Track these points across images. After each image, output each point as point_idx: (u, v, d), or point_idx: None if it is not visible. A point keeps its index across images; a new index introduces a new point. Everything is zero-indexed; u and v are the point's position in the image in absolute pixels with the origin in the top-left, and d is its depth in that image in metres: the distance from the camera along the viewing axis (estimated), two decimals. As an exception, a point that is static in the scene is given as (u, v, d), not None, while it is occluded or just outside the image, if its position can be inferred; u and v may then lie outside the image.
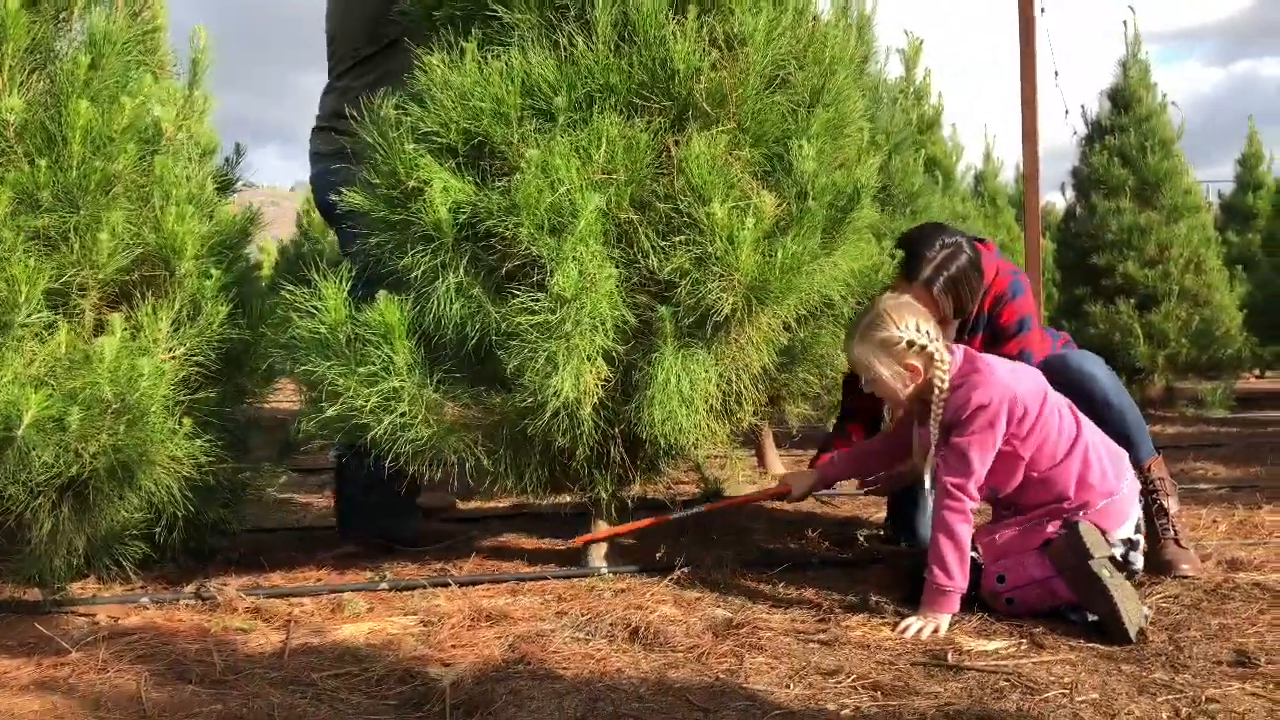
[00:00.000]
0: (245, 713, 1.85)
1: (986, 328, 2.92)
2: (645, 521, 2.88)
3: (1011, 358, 2.67)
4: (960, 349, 2.50)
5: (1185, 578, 2.63)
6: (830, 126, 2.63)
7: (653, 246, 2.45)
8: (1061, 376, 2.70)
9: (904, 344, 2.41)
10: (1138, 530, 2.45)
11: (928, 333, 2.43)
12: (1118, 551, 2.38)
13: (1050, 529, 2.36)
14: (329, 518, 3.80)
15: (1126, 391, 2.88)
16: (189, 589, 2.65)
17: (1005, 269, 2.96)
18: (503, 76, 2.41)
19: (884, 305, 2.47)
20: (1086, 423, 2.48)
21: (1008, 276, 2.94)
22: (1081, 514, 2.36)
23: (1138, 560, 2.46)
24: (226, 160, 3.24)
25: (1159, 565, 2.69)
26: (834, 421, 3.18)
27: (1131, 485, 2.47)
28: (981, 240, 2.97)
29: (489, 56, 2.46)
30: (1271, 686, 1.86)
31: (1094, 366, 2.83)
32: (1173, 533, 2.76)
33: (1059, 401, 2.47)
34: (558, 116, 2.44)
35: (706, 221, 2.38)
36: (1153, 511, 2.77)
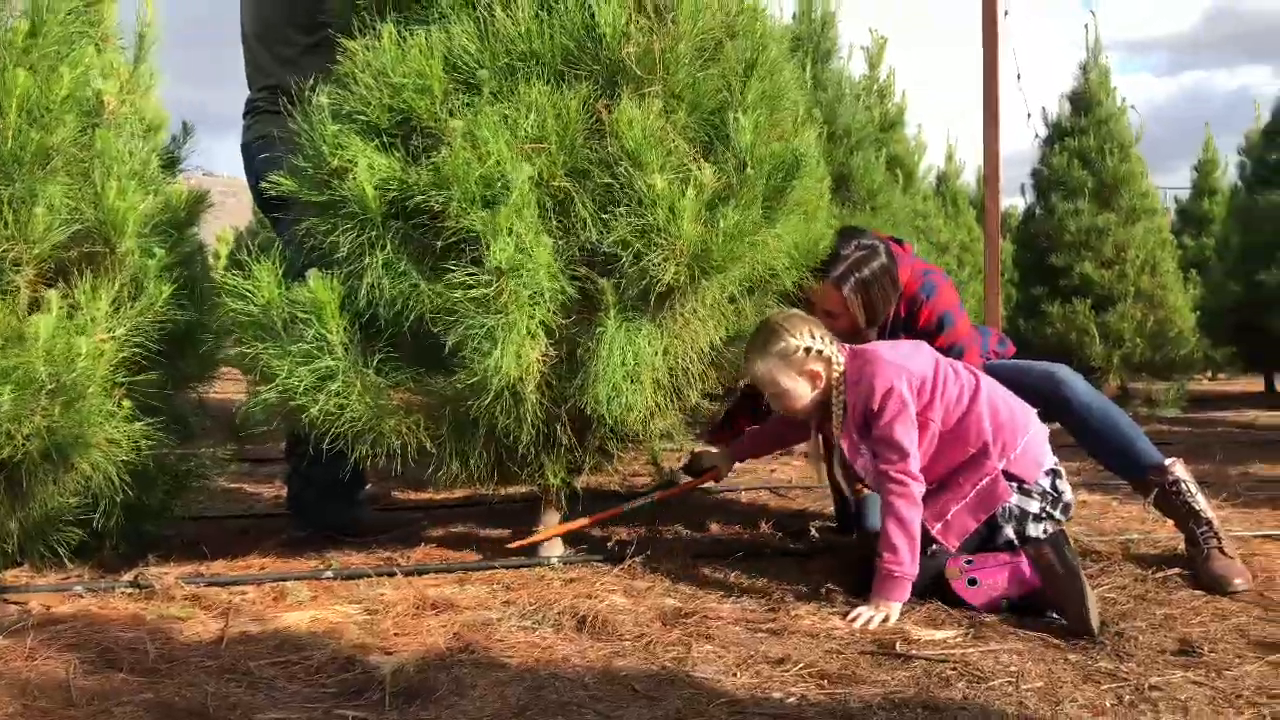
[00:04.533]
0: (177, 701, 1.79)
1: (906, 331, 2.89)
2: (588, 519, 2.85)
3: (942, 353, 2.67)
4: (846, 347, 2.55)
5: (1238, 593, 2.37)
6: (766, 98, 2.62)
7: (591, 217, 2.43)
8: (1030, 389, 2.69)
9: (802, 351, 2.48)
10: (1056, 462, 2.51)
11: (821, 337, 2.51)
12: (1045, 482, 2.46)
13: (1000, 490, 2.40)
14: (278, 507, 3.73)
15: (1104, 396, 2.84)
16: (126, 577, 2.57)
17: (918, 270, 2.94)
18: (422, 51, 2.38)
19: (775, 319, 2.54)
20: (981, 374, 2.56)
21: (920, 279, 2.92)
22: (1010, 458, 2.42)
23: (1065, 488, 2.50)
24: (174, 138, 3.17)
25: (1206, 581, 2.44)
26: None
27: (1038, 423, 2.54)
28: (899, 241, 2.99)
29: (409, 35, 2.42)
30: (1213, 675, 1.87)
31: (1064, 374, 2.81)
32: (1216, 542, 2.51)
33: (949, 362, 2.55)
34: (482, 88, 2.41)
35: (648, 193, 2.36)
36: (1184, 518, 2.59)
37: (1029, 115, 8.19)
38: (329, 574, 2.65)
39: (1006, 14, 6.66)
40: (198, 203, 3.06)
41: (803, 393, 2.52)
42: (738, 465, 3.31)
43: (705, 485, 3.22)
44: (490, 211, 2.30)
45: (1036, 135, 8.42)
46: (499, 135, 2.35)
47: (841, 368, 2.51)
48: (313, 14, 3.03)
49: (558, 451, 2.66)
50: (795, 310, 2.62)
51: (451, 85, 2.44)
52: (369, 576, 2.62)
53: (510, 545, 2.83)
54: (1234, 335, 8.39)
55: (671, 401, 2.65)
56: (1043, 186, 8.11)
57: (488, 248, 2.29)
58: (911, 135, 8.99)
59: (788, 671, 1.91)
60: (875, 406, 2.40)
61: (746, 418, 3.22)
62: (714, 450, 3.12)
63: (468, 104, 2.42)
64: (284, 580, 2.59)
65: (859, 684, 1.85)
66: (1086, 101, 8.02)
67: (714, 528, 3.26)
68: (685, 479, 3.24)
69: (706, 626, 2.19)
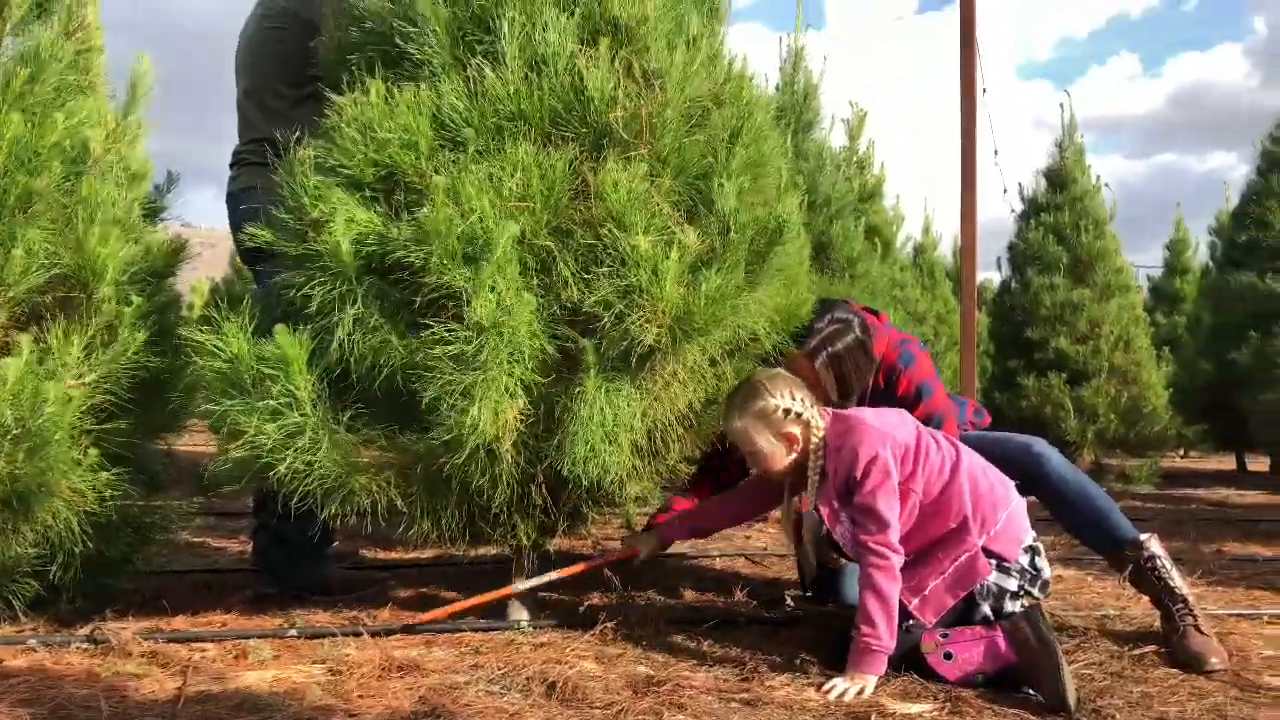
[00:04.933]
0: (129, 762, 1.73)
1: (885, 401, 2.89)
2: (492, 595, 2.72)
3: (923, 423, 2.67)
4: (828, 411, 2.54)
5: (1215, 672, 2.35)
6: (750, 165, 2.65)
7: (573, 276, 2.43)
8: (1007, 460, 2.69)
9: (780, 412, 2.47)
10: (1034, 539, 2.51)
11: (802, 400, 2.49)
12: (1024, 560, 2.45)
13: (979, 566, 2.38)
14: (242, 562, 3.66)
15: (1080, 471, 2.84)
16: (82, 631, 2.50)
17: (895, 340, 2.95)
18: (410, 107, 2.39)
19: (758, 377, 2.54)
20: (962, 445, 2.55)
21: (897, 349, 2.93)
22: (990, 534, 2.41)
23: (1044, 566, 2.50)
24: (157, 188, 3.15)
25: (1182, 659, 2.42)
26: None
27: (1018, 496, 2.54)
28: (874, 312, 3.01)
29: (397, 91, 2.43)
30: (1193, 757, 1.84)
31: (1041, 447, 2.80)
32: (1192, 619, 2.50)
33: (930, 432, 2.54)
34: (467, 146, 2.42)
35: (631, 254, 2.36)
36: (1159, 595, 2.58)
37: (1005, 190, 8.33)
38: (293, 632, 2.58)
39: (985, 91, 6.82)
40: (177, 253, 3.04)
41: (778, 454, 2.50)
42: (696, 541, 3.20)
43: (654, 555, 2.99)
44: (473, 268, 2.30)
45: (1012, 210, 8.56)
46: (483, 193, 2.35)
47: (822, 432, 2.49)
48: (302, 69, 3.05)
49: (531, 512, 2.63)
50: (780, 370, 2.60)
51: (438, 142, 2.45)
52: (334, 636, 2.56)
53: (419, 618, 2.67)
54: (1206, 413, 8.47)
55: (648, 464, 2.63)
56: (1019, 261, 8.22)
57: (469, 304, 2.28)
58: (890, 206, 9.13)
59: (761, 744, 1.87)
60: (858, 474, 2.38)
61: (708, 487, 3.13)
62: (644, 534, 2.97)
63: (454, 161, 2.43)
64: (246, 638, 2.53)
65: (833, 759, 1.81)
66: (1062, 178, 8.16)
67: (688, 595, 3.22)
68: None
69: (679, 695, 2.14)
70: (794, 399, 2.48)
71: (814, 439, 2.49)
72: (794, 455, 2.51)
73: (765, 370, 2.59)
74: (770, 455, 2.50)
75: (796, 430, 2.48)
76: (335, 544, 3.46)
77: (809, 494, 2.51)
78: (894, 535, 2.34)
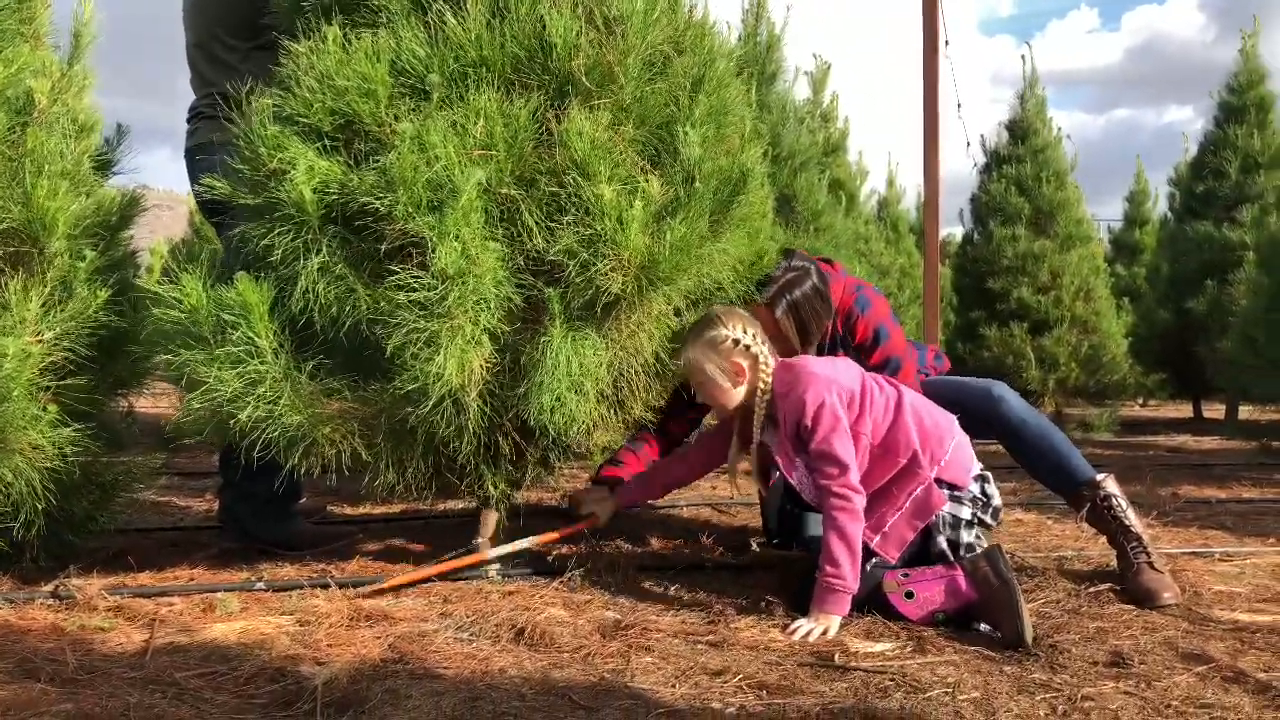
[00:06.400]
0: (98, 712, 1.73)
1: (844, 347, 2.93)
2: (459, 562, 2.69)
3: (878, 368, 2.75)
4: (776, 358, 2.57)
5: (1167, 607, 2.42)
6: (713, 113, 2.64)
7: (538, 225, 2.41)
8: (967, 404, 2.74)
9: (729, 342, 2.50)
10: (982, 468, 2.57)
11: (755, 336, 2.53)
12: (975, 488, 2.51)
13: (934, 497, 2.42)
14: (208, 520, 3.65)
15: (1040, 413, 2.88)
16: (46, 587, 2.49)
17: (850, 286, 2.98)
18: (369, 55, 2.35)
19: (714, 309, 2.58)
20: (902, 385, 2.60)
21: (853, 294, 2.96)
22: (940, 464, 2.46)
23: (993, 492, 2.56)
24: (107, 141, 3.08)
25: (1136, 595, 2.48)
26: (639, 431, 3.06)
27: (960, 429, 2.59)
28: (828, 261, 3.03)
29: (356, 38, 2.39)
30: (1144, 686, 1.90)
31: (1001, 390, 2.85)
32: (1145, 556, 2.56)
33: (872, 375, 2.59)
34: (432, 93, 2.39)
35: (595, 203, 2.35)
36: (1115, 533, 2.65)
37: (968, 144, 8.34)
38: (260, 585, 2.58)
39: (947, 44, 6.81)
40: (131, 206, 2.99)
41: (725, 385, 2.52)
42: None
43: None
44: (438, 216, 2.28)
45: (975, 164, 8.59)
46: (448, 140, 2.33)
47: (770, 370, 2.52)
48: (251, 19, 2.98)
49: (499, 462, 2.63)
50: (738, 307, 2.63)
51: (397, 90, 2.41)
52: (302, 588, 2.56)
53: (366, 589, 2.56)
54: (1164, 362, 8.61)
55: (614, 413, 2.64)
56: (981, 213, 8.27)
57: (434, 252, 2.27)
58: (854, 161, 9.14)
59: (727, 683, 1.91)
60: (809, 422, 2.41)
61: (658, 441, 3.12)
62: (596, 492, 2.98)
63: (414, 109, 2.40)
64: (213, 591, 2.53)
65: (798, 694, 1.85)
66: (1024, 130, 8.20)
67: (655, 543, 3.25)
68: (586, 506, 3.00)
69: (646, 638, 2.17)
70: (745, 333, 2.51)
71: (762, 376, 2.51)
72: (742, 388, 2.53)
73: (723, 305, 2.63)
74: (717, 385, 2.52)
75: (744, 363, 2.51)
76: (302, 500, 3.45)
77: (755, 429, 2.54)
78: (854, 476, 2.37)
